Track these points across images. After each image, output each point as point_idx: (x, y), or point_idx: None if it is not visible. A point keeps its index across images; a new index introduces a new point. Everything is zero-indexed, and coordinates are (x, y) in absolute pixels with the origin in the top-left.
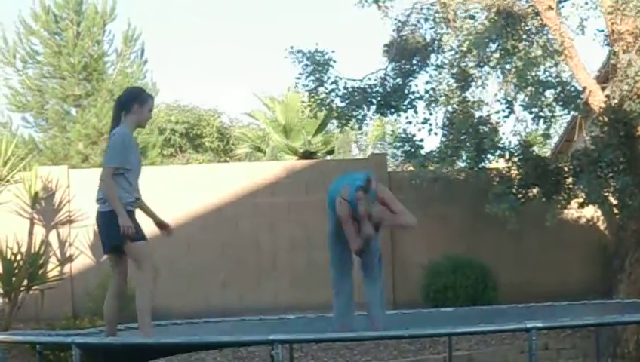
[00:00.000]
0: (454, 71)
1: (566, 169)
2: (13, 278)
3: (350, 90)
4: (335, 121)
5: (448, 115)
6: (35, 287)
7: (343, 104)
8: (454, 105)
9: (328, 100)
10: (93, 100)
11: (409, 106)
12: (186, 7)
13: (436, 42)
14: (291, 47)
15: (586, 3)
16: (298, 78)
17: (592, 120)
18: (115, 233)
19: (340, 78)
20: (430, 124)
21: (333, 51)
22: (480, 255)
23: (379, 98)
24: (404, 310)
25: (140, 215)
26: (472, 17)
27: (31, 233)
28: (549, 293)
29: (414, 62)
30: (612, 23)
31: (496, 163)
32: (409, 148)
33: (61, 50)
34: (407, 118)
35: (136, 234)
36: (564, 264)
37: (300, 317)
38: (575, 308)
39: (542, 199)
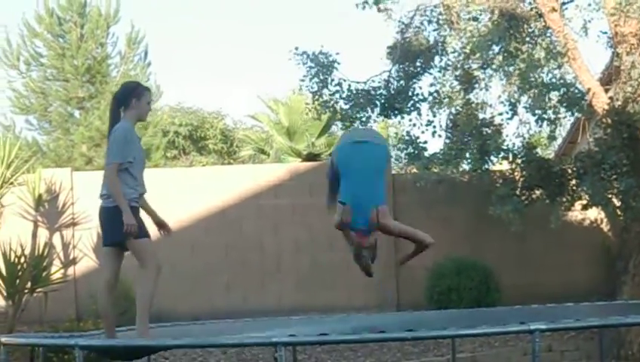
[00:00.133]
0: (458, 73)
1: (570, 171)
2: (17, 281)
3: (354, 92)
4: (339, 123)
5: (452, 117)
6: (39, 290)
7: (347, 106)
8: (458, 107)
9: (332, 102)
10: (97, 103)
11: (413, 108)
12: (190, 9)
13: (440, 44)
14: (296, 49)
15: (590, 5)
16: (302, 80)
17: (595, 122)
18: (118, 230)
19: (344, 80)
20: (434, 126)
21: (337, 53)
22: (484, 257)
23: (383, 100)
24: (408, 312)
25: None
26: (475, 19)
27: (34, 235)
28: (553, 295)
29: (418, 64)
30: (615, 25)
31: (499, 165)
32: (413, 151)
33: (65, 52)
34: (410, 120)
35: (139, 231)
36: (568, 266)
37: (304, 319)
38: (579, 310)
39: (545, 201)
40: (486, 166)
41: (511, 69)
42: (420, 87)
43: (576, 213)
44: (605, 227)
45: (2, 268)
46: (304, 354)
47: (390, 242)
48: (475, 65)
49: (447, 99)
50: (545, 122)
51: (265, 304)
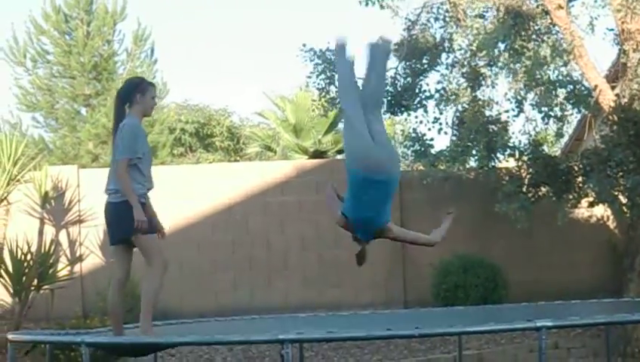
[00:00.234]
0: (465, 70)
1: (576, 168)
2: (24, 278)
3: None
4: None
5: (458, 114)
6: (45, 287)
7: None
8: (464, 105)
9: (339, 99)
10: (103, 100)
11: (419, 106)
12: (195, 6)
13: (446, 41)
14: (303, 45)
15: (596, 2)
16: (309, 77)
17: (601, 119)
18: (125, 225)
19: None
20: (440, 124)
21: None
22: (490, 254)
23: (389, 97)
24: (415, 309)
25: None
26: (482, 16)
27: (41, 233)
28: (559, 292)
29: (424, 61)
30: (622, 22)
31: (506, 162)
32: (419, 148)
33: (71, 49)
34: (416, 117)
35: (148, 227)
36: (574, 263)
37: (311, 316)
38: (585, 307)
39: (552, 198)
40: (492, 163)
41: (517, 66)
42: (427, 84)
43: (582, 211)
44: (612, 224)
45: (9, 265)
46: (311, 352)
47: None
48: (481, 63)
49: (453, 97)
50: (551, 119)
51: (271, 301)
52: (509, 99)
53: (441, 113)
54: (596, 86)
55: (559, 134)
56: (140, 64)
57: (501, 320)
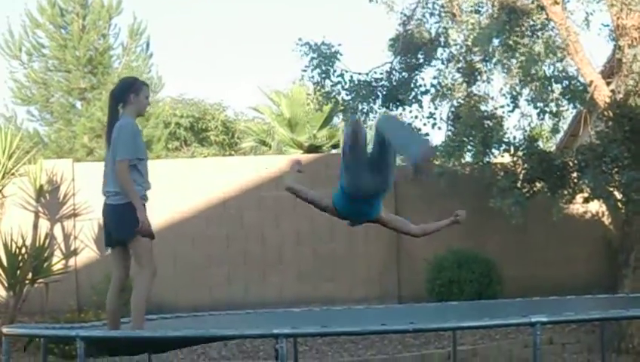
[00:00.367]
0: (460, 65)
1: (571, 164)
2: (18, 271)
3: (356, 83)
4: (340, 115)
5: (453, 110)
6: (40, 281)
7: (348, 97)
8: (460, 100)
9: (334, 93)
10: (99, 94)
11: (414, 100)
12: (192, 0)
13: (442, 36)
14: (299, 39)
15: None
16: (304, 71)
17: (597, 115)
18: (124, 228)
19: (346, 71)
20: (434, 119)
21: (339, 44)
22: (485, 249)
23: (385, 92)
24: (409, 304)
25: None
26: (477, 12)
27: (36, 226)
28: (554, 288)
29: (420, 56)
30: (617, 18)
31: (501, 157)
32: None
33: (67, 43)
34: (411, 112)
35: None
36: (569, 258)
37: (305, 311)
38: (580, 303)
39: (547, 194)
40: (487, 158)
41: (511, 62)
42: (423, 79)
43: (577, 206)
44: (607, 220)
45: (3, 258)
46: (305, 346)
47: (392, 233)
48: (477, 58)
49: (449, 92)
50: (547, 115)
51: (266, 296)
52: (504, 95)
53: (436, 108)
54: (591, 82)
55: (555, 130)
56: (135, 58)
57: (496, 315)
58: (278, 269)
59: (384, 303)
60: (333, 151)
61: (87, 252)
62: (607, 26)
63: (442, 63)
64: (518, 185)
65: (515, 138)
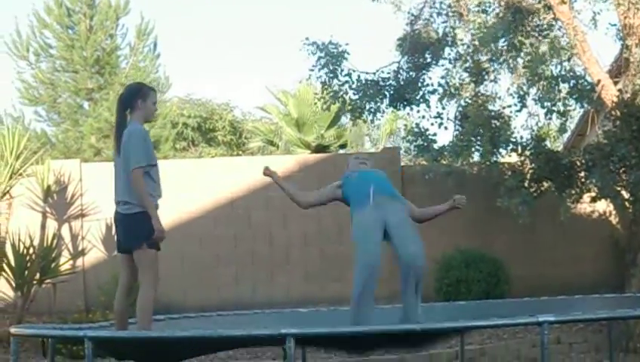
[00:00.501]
0: (468, 65)
1: (578, 163)
2: (26, 272)
3: (363, 82)
4: (348, 114)
5: (461, 109)
6: (48, 281)
7: (356, 97)
8: (467, 100)
9: (342, 93)
10: (106, 94)
11: (422, 100)
12: (199, 1)
13: (449, 36)
14: (306, 39)
15: None
16: (312, 70)
17: (604, 114)
18: (131, 237)
19: (354, 71)
20: (442, 118)
21: (347, 44)
22: (492, 249)
23: (392, 91)
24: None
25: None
26: (485, 11)
27: (43, 226)
28: (562, 287)
29: (427, 55)
30: (625, 17)
31: (508, 157)
32: (422, 143)
33: (74, 43)
34: (418, 111)
35: (153, 241)
36: (577, 258)
37: (313, 311)
38: (587, 302)
39: (554, 193)
40: (495, 158)
41: (520, 61)
42: (430, 78)
43: (584, 206)
44: (614, 219)
45: (11, 259)
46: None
47: None
48: (484, 58)
49: (456, 91)
50: (554, 114)
51: (273, 296)
52: (511, 94)
53: (443, 108)
54: (599, 81)
55: (562, 129)
56: (142, 58)
57: (503, 314)
58: (285, 269)
59: (391, 303)
60: (341, 151)
61: (95, 252)
62: (615, 25)
63: (450, 63)
64: (526, 184)
65: (522, 137)
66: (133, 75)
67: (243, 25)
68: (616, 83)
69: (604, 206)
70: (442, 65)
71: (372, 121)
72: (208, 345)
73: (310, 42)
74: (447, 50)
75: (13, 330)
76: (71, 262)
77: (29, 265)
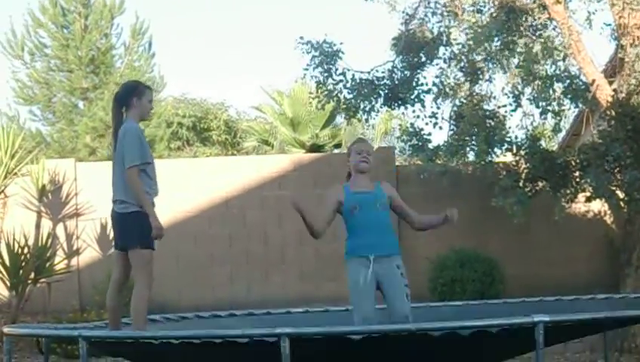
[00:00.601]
0: (462, 64)
1: (573, 163)
2: (21, 271)
3: (358, 81)
4: (343, 114)
5: (456, 109)
6: (42, 280)
7: (350, 96)
8: (462, 99)
9: (336, 92)
10: (101, 93)
11: (416, 100)
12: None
13: (444, 35)
14: (300, 38)
15: None
16: (306, 69)
17: (599, 114)
18: (126, 236)
19: (348, 70)
20: (436, 118)
21: (341, 43)
22: (487, 249)
23: (386, 90)
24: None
25: None
26: (480, 11)
27: (38, 226)
28: (556, 287)
29: (422, 55)
30: (619, 17)
31: (503, 156)
32: (417, 142)
33: (69, 43)
34: (413, 111)
35: (148, 242)
36: (572, 258)
37: (308, 311)
38: (582, 302)
39: (549, 193)
40: (490, 158)
41: (515, 60)
42: (425, 77)
43: (579, 205)
44: (609, 219)
45: (6, 258)
46: None
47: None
48: (479, 58)
49: (451, 91)
50: (549, 114)
51: (268, 295)
52: (506, 94)
53: (438, 108)
54: (593, 81)
55: (556, 129)
56: (137, 58)
57: (498, 314)
58: (280, 269)
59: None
60: (336, 150)
61: (90, 251)
62: (609, 25)
63: (444, 62)
64: (521, 184)
65: (517, 137)
66: (128, 75)
67: (238, 24)
68: (611, 83)
69: (598, 205)
70: (437, 65)
71: (367, 120)
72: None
73: (305, 41)
74: (441, 49)
75: (6, 330)
76: (66, 261)
77: (23, 264)
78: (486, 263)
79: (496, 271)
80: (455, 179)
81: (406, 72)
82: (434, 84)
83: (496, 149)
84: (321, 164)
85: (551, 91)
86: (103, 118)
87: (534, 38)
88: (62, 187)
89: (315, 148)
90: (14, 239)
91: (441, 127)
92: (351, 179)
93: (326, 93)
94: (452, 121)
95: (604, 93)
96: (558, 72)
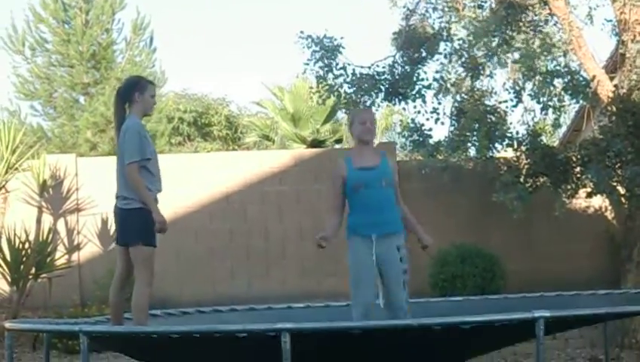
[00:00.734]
0: (463, 60)
1: (574, 158)
2: (21, 266)
3: (358, 76)
4: (343, 109)
5: (457, 104)
6: (43, 275)
7: (351, 90)
8: (463, 95)
9: (336, 87)
10: (102, 88)
11: (417, 95)
12: None
13: (445, 31)
14: (301, 32)
15: None
16: (307, 64)
17: (600, 110)
18: (128, 233)
19: (349, 65)
20: (438, 114)
21: (342, 37)
22: (488, 244)
23: (387, 85)
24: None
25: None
26: (480, 7)
27: (39, 221)
28: (557, 282)
29: (423, 50)
30: (621, 13)
31: (504, 152)
32: (418, 138)
33: (70, 38)
34: (414, 107)
35: (150, 239)
36: (572, 253)
37: (309, 306)
38: (583, 298)
39: (550, 188)
40: (491, 153)
41: (508, 56)
42: (425, 72)
43: (580, 201)
44: (610, 215)
45: (7, 253)
46: None
47: None
48: (479, 53)
49: (452, 87)
50: (550, 110)
51: (269, 290)
52: (507, 90)
53: (439, 103)
54: (594, 77)
55: (556, 125)
56: (138, 53)
57: (499, 310)
58: (281, 264)
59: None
60: (337, 145)
61: (91, 247)
62: (610, 21)
63: (445, 58)
64: (521, 179)
65: (518, 133)
66: (129, 70)
67: (240, 20)
68: (612, 78)
69: (599, 201)
70: (437, 60)
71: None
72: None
73: (305, 36)
74: (442, 45)
75: (8, 325)
76: (66, 256)
77: (24, 259)
78: (487, 259)
79: (497, 266)
80: (456, 174)
81: (407, 67)
82: (434, 80)
83: (497, 145)
84: (322, 159)
85: (551, 87)
86: (104, 113)
87: (534, 34)
88: (63, 182)
89: (315, 143)
90: (15, 234)
91: (443, 123)
92: (354, 151)
93: (327, 88)
94: (453, 117)
95: (605, 88)
96: (558, 67)
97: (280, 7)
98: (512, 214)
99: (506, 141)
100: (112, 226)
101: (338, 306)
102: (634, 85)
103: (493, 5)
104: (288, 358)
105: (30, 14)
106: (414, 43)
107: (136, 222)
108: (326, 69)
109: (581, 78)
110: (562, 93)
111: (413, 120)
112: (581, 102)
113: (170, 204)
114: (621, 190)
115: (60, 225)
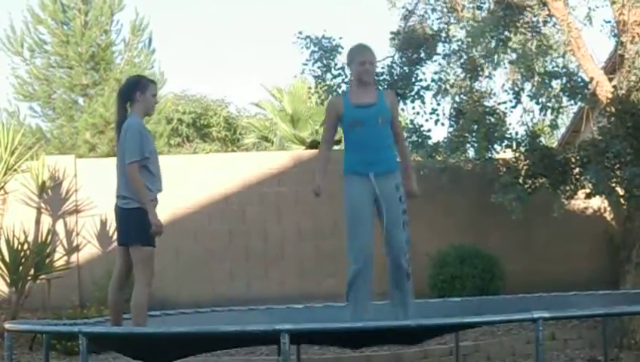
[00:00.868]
0: (462, 61)
1: (573, 159)
2: (20, 267)
3: None
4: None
5: (455, 105)
6: (42, 277)
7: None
8: (462, 96)
9: (335, 87)
10: (101, 90)
11: (416, 96)
12: None
13: (444, 32)
14: (299, 33)
15: None
16: (305, 64)
17: (599, 111)
18: (128, 232)
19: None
20: (437, 114)
21: (340, 38)
22: (487, 245)
23: (385, 85)
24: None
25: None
26: (479, 8)
27: (38, 222)
28: (556, 283)
29: (421, 51)
30: (619, 14)
31: (503, 153)
32: (417, 139)
33: (69, 39)
34: (413, 108)
35: (149, 239)
36: (571, 254)
37: (308, 307)
38: (582, 299)
39: (549, 189)
40: (490, 154)
41: (507, 57)
42: (424, 73)
43: (579, 202)
44: (609, 216)
45: (6, 254)
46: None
47: None
48: (478, 54)
49: (451, 88)
50: (548, 111)
51: (268, 291)
52: (505, 91)
53: (438, 104)
54: (592, 78)
55: (553, 125)
56: (137, 54)
57: (498, 311)
58: (280, 265)
59: (386, 299)
60: (336, 147)
61: (90, 248)
62: (609, 22)
63: (444, 59)
64: (520, 180)
65: (517, 134)
66: (128, 71)
67: (239, 21)
68: (611, 80)
69: (598, 202)
70: (436, 61)
71: None
72: (202, 343)
73: (303, 36)
74: (441, 46)
75: (7, 326)
76: (65, 257)
77: (23, 260)
78: (486, 260)
79: (496, 267)
80: (455, 175)
81: (405, 68)
82: (433, 81)
83: (496, 146)
84: None
85: (549, 88)
86: (103, 115)
87: (532, 35)
88: (62, 183)
89: (314, 144)
90: (14, 235)
91: (442, 124)
92: (352, 90)
93: (325, 88)
94: (452, 118)
95: (604, 89)
96: (556, 68)
97: (279, 7)
98: (511, 215)
99: (505, 142)
100: (111, 227)
101: (337, 307)
102: (633, 86)
103: (492, 7)
104: (288, 359)
105: (29, 15)
106: (413, 44)
107: (135, 222)
108: (324, 69)
109: (579, 80)
110: (560, 94)
111: (412, 121)
112: (579, 103)
113: (169, 204)
114: (620, 191)
115: (59, 227)
